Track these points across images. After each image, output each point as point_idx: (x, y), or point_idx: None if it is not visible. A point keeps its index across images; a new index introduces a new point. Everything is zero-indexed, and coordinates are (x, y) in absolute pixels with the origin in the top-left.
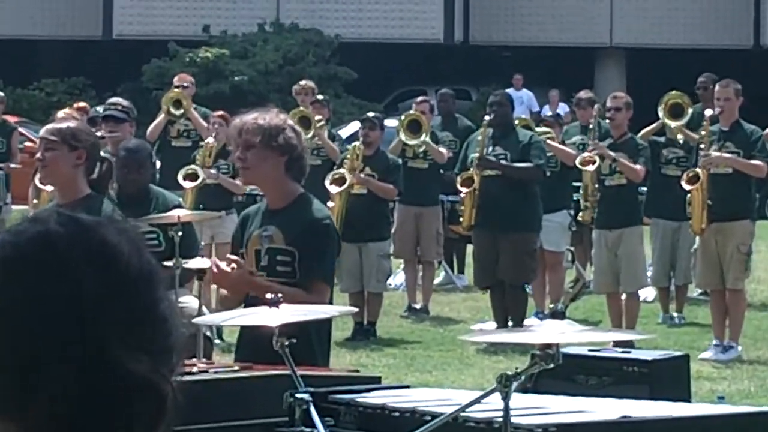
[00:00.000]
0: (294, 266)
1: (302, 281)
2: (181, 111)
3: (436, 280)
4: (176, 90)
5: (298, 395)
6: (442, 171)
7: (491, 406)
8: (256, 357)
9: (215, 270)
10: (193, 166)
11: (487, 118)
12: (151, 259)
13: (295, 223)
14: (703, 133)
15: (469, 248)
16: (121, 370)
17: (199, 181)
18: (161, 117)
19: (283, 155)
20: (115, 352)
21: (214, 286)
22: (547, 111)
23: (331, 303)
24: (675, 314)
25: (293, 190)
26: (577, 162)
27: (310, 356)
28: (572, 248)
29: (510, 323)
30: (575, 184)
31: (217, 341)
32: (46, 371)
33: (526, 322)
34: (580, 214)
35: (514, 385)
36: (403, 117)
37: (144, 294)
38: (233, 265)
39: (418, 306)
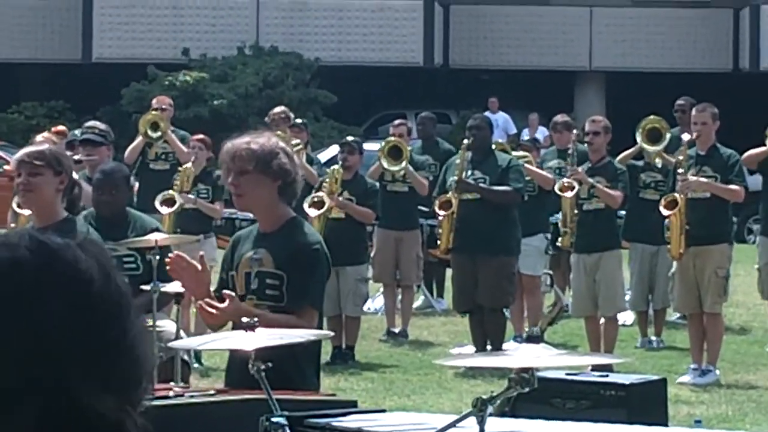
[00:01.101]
0: (282, 290)
1: (290, 306)
2: (159, 134)
3: (416, 304)
4: (154, 112)
5: (273, 419)
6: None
7: (467, 431)
8: (245, 381)
9: (211, 311)
10: (170, 192)
11: (465, 141)
12: (122, 284)
13: (284, 247)
14: (680, 157)
15: (449, 272)
16: (84, 409)
17: (176, 206)
18: (139, 140)
19: (277, 180)
20: (80, 388)
21: (192, 310)
22: (526, 135)
23: (320, 327)
24: (653, 338)
25: (285, 213)
26: (556, 188)
27: (300, 380)
28: (551, 272)
29: (489, 347)
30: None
31: (195, 365)
32: (5, 408)
33: (504, 346)
34: (560, 239)
35: (490, 409)
36: (384, 143)
37: (112, 324)
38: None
39: (396, 330)
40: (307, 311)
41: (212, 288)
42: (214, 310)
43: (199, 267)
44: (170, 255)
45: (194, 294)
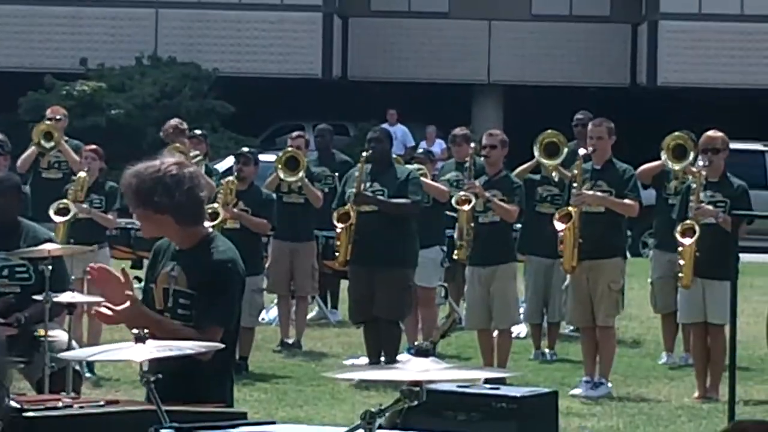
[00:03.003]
0: (192, 310)
1: (196, 323)
2: (52, 143)
3: (310, 315)
4: (47, 122)
5: (162, 430)
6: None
7: None
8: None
9: (108, 312)
10: (64, 201)
11: (365, 153)
12: None
13: (197, 266)
14: (575, 171)
15: (343, 283)
16: None
17: (70, 215)
18: (31, 149)
19: (164, 213)
20: None
21: (84, 320)
22: (424, 147)
23: (227, 342)
24: (547, 351)
25: (196, 232)
26: (452, 202)
27: (205, 392)
28: (445, 284)
29: (383, 359)
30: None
31: (87, 375)
32: None
33: (399, 357)
34: (456, 252)
35: (378, 422)
36: (281, 154)
37: None
38: (127, 302)
39: (290, 341)
40: (210, 329)
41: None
42: (110, 312)
43: (122, 279)
44: (92, 266)
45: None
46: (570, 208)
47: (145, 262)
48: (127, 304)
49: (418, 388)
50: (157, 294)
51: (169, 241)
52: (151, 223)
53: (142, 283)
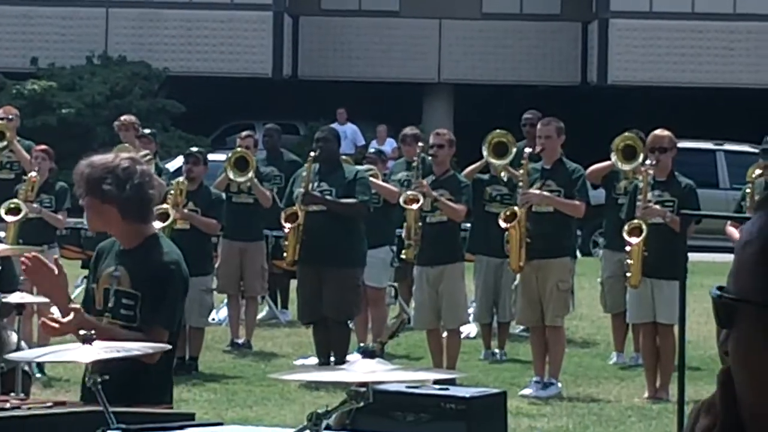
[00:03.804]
0: (136, 310)
1: (141, 324)
2: (5, 143)
3: (260, 315)
4: (0, 122)
5: None
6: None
7: None
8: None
9: (54, 325)
10: (15, 201)
11: (312, 153)
12: None
13: (141, 266)
14: (521, 171)
15: (293, 283)
16: None
17: (21, 215)
18: None
19: (111, 204)
20: None
21: (34, 320)
22: (375, 146)
23: (172, 343)
24: (497, 350)
25: (141, 231)
26: (400, 201)
27: (151, 394)
28: (395, 284)
29: (333, 359)
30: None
31: (38, 375)
32: None
33: (348, 357)
34: (404, 251)
35: (324, 422)
36: (230, 154)
37: None
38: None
39: (240, 341)
40: (155, 330)
41: (80, 299)
42: (56, 324)
43: (56, 270)
44: (26, 255)
45: (50, 298)
46: (515, 208)
47: None
48: (72, 315)
49: (364, 389)
50: (98, 294)
51: (112, 242)
52: (96, 213)
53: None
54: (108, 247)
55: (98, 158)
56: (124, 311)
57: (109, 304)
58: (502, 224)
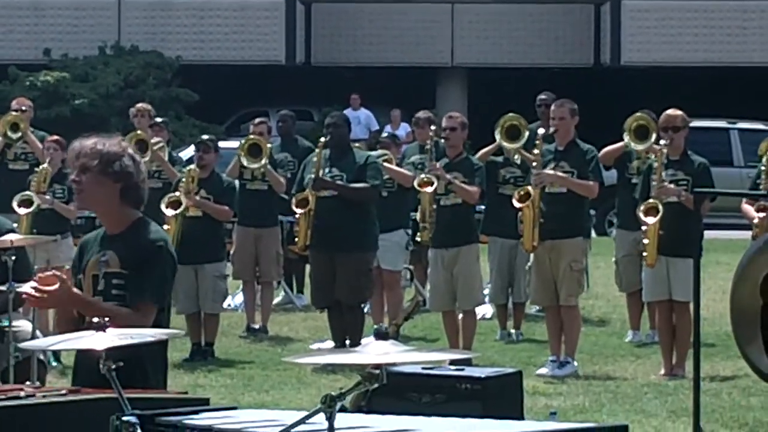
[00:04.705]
0: (126, 289)
1: (130, 301)
2: (19, 134)
3: (276, 300)
4: (14, 113)
5: (124, 418)
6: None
7: (317, 426)
8: (92, 381)
9: (35, 294)
10: (27, 193)
11: (322, 139)
12: None
13: (130, 247)
14: (535, 151)
15: (308, 268)
16: None
17: (33, 207)
18: None
19: (118, 182)
20: None
21: (51, 310)
22: (389, 131)
23: (162, 324)
24: (512, 331)
25: (130, 215)
26: (415, 184)
27: (143, 379)
28: (411, 267)
29: (348, 342)
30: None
31: (54, 364)
32: None
33: (363, 341)
34: (419, 234)
35: (339, 404)
36: (243, 141)
37: None
38: (56, 284)
39: (257, 326)
40: (144, 306)
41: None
42: (39, 294)
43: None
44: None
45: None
46: (529, 188)
47: None
48: (56, 285)
49: (378, 371)
50: (86, 283)
51: (95, 235)
52: (99, 190)
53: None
54: (91, 239)
55: (100, 139)
56: (115, 291)
57: (99, 288)
58: (516, 204)
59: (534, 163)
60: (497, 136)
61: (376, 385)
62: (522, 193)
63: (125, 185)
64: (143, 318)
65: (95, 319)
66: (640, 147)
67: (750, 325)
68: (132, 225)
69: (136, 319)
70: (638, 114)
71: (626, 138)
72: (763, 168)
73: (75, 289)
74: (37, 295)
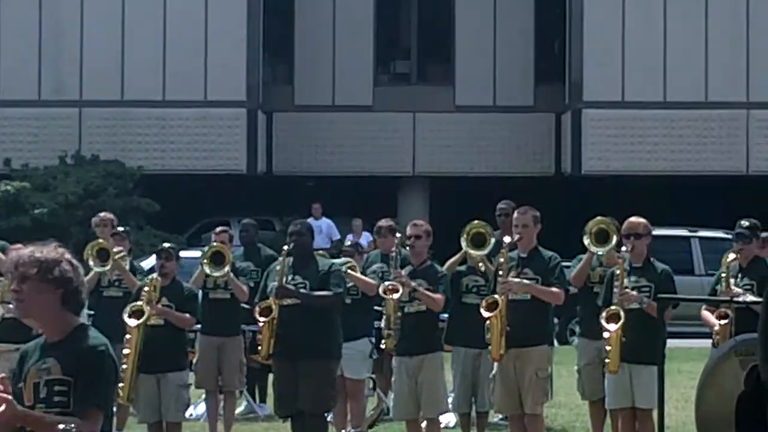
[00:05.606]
0: (69, 395)
1: (76, 408)
2: None
3: (238, 410)
4: None
5: None
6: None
7: None
8: None
9: None
10: None
11: (285, 247)
12: None
13: (71, 354)
14: (501, 259)
15: (271, 377)
16: None
17: None
18: None
19: (59, 288)
20: None
21: None
22: (350, 240)
23: (107, 430)
24: None
25: (71, 321)
26: (379, 291)
27: None
28: (373, 376)
29: None
30: (378, 308)
31: None
32: None
33: None
34: (383, 341)
35: None
36: (206, 249)
37: None
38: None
39: None
40: (91, 414)
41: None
42: None
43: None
44: None
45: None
46: (496, 296)
47: None
48: (3, 407)
49: None
50: (27, 391)
51: (35, 344)
52: (40, 298)
53: None
54: (31, 348)
55: (37, 247)
56: (57, 398)
57: (41, 395)
58: (485, 313)
59: (500, 272)
60: (463, 244)
61: None
62: (490, 301)
63: (65, 291)
64: (94, 425)
65: (61, 426)
66: (600, 251)
67: None
68: (73, 332)
69: (87, 427)
70: (599, 218)
71: (586, 241)
72: (723, 275)
73: (23, 408)
74: None
